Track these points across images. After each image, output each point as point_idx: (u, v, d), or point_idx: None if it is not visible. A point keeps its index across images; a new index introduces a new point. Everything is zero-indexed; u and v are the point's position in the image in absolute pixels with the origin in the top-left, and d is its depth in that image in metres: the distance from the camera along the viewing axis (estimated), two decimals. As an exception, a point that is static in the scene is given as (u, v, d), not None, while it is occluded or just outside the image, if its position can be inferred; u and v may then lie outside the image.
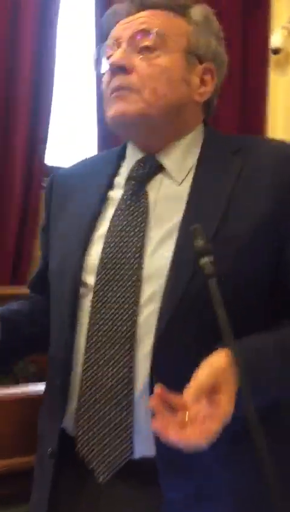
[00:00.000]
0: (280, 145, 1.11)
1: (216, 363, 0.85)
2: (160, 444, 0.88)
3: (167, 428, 0.79)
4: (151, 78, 1.04)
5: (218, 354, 0.86)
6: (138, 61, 1.05)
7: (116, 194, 1.11)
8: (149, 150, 1.10)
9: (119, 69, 1.05)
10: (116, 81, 1.05)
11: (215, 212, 1.00)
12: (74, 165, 1.27)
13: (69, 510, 1.05)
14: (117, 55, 1.06)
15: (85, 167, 1.23)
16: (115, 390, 0.98)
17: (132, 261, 1.01)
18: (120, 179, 1.12)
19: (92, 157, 1.30)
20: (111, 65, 1.06)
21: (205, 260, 0.82)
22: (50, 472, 1.06)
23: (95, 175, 1.16)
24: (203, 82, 1.09)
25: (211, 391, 0.83)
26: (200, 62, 1.09)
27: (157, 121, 1.05)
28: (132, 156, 1.12)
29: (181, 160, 1.08)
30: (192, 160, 1.08)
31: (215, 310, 0.78)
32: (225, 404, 0.82)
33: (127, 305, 0.99)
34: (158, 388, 0.82)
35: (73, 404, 1.03)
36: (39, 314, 1.19)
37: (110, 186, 1.13)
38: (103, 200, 1.11)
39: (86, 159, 1.28)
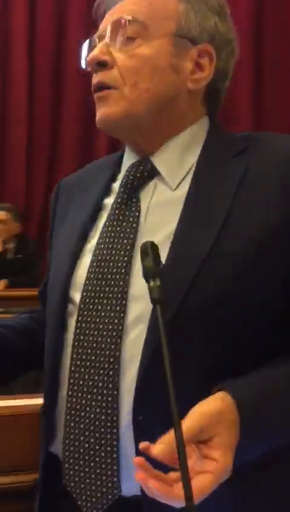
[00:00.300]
0: None
1: (207, 407, 0.75)
2: None
3: (151, 482, 0.70)
4: (132, 71, 0.93)
5: (214, 397, 0.77)
6: (118, 54, 0.94)
7: (111, 201, 1.00)
8: (143, 151, 0.99)
9: (98, 66, 0.94)
10: (96, 78, 0.95)
11: (213, 223, 0.87)
12: (79, 171, 1.17)
13: None
14: (96, 50, 0.95)
15: (88, 173, 1.13)
16: (99, 422, 0.88)
17: (118, 277, 0.91)
18: (116, 185, 1.02)
19: (97, 161, 1.19)
20: (88, 62, 0.95)
21: (152, 284, 0.72)
22: (37, 501, 0.98)
23: (95, 181, 1.06)
24: (199, 67, 0.96)
25: (205, 440, 0.73)
26: (195, 44, 0.95)
27: (144, 119, 0.94)
28: (128, 160, 1.02)
29: (177, 162, 0.96)
30: (190, 162, 0.96)
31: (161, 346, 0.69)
32: (220, 457, 0.72)
33: (111, 326, 0.89)
34: (142, 446, 0.72)
35: (60, 431, 0.94)
36: (34, 330, 1.11)
37: (106, 192, 1.03)
38: (98, 208, 1.01)
39: (92, 163, 1.18)
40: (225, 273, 0.84)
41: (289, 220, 0.87)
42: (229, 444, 0.74)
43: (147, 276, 0.74)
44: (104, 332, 0.89)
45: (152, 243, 0.76)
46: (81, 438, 0.90)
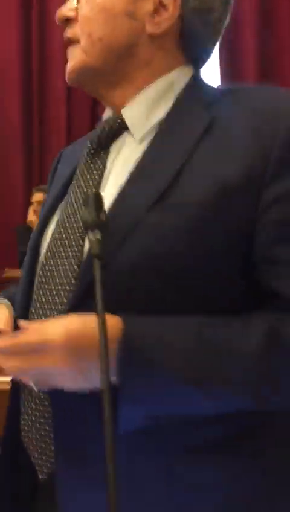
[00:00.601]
0: (272, 92, 0.86)
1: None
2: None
3: None
4: (87, 21, 0.89)
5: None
6: (82, 5, 0.90)
7: None
8: (115, 105, 0.93)
9: (65, 23, 0.92)
10: (64, 35, 0.92)
11: (164, 175, 0.81)
12: (80, 139, 1.13)
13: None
14: (64, 6, 0.92)
15: (84, 140, 1.08)
16: None
17: (75, 236, 0.86)
18: None
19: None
20: (58, 19, 0.92)
21: (91, 237, 0.69)
22: None
23: (83, 145, 1.00)
24: (163, 6, 0.88)
25: None
26: None
27: (102, 70, 0.89)
28: (105, 116, 0.96)
29: (144, 115, 0.89)
30: (159, 115, 0.89)
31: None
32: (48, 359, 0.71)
33: (62, 287, 0.84)
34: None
35: None
36: None
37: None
38: (76, 168, 0.96)
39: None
40: (168, 226, 0.77)
41: (254, 173, 0.78)
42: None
43: (85, 228, 0.72)
44: (56, 292, 0.85)
45: (95, 194, 0.73)
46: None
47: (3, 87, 4.90)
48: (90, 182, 0.89)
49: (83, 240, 0.84)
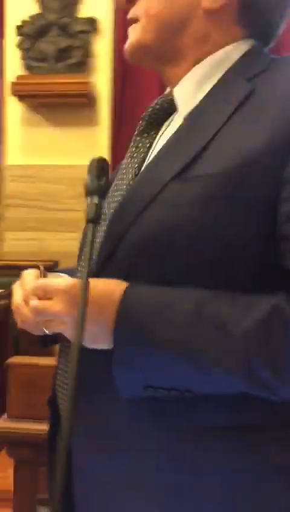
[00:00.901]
0: None
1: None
2: None
3: None
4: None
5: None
6: None
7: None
8: (171, 84, 0.92)
9: (130, 3, 0.92)
10: (128, 15, 0.93)
11: (193, 146, 0.79)
12: None
13: None
14: None
15: None
16: None
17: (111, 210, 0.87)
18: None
19: None
20: (123, 3, 0.93)
21: (89, 201, 0.72)
22: None
23: None
24: None
25: None
26: None
27: (156, 46, 0.89)
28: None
29: (193, 92, 0.87)
30: (206, 90, 0.86)
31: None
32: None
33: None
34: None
35: None
36: None
37: None
38: None
39: None
40: (185, 197, 0.76)
41: (281, 145, 0.74)
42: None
43: (86, 192, 0.74)
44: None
45: (99, 159, 0.75)
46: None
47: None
48: (136, 160, 0.90)
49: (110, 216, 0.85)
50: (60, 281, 0.77)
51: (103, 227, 0.85)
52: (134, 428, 0.78)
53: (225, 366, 0.70)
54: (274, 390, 0.71)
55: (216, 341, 0.71)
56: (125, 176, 0.89)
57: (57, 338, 0.92)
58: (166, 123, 0.91)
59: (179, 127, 0.85)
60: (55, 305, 0.75)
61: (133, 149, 0.91)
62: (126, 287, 0.75)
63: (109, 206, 0.87)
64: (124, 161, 0.93)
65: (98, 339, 0.75)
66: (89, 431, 0.82)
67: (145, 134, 0.92)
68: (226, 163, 0.75)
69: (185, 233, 0.75)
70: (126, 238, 0.78)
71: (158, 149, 0.86)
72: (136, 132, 0.93)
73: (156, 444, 0.77)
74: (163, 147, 0.84)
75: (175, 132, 0.85)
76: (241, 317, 0.71)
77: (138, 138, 0.92)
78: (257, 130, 0.76)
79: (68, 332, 0.77)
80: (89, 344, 0.76)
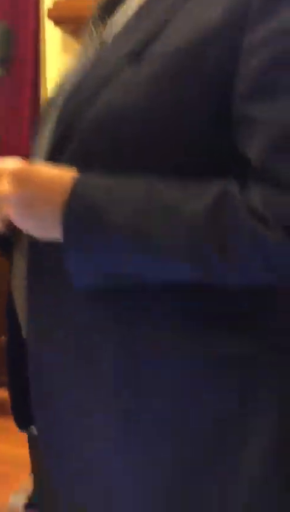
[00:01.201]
0: None
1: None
2: None
3: None
4: None
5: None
6: None
7: None
8: None
9: None
10: None
11: (150, 26, 0.75)
12: None
13: None
14: None
15: None
16: None
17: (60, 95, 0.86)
18: None
19: None
20: None
21: None
22: None
23: None
24: None
25: None
26: None
27: None
28: None
29: None
30: None
31: None
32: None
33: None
34: None
35: None
36: None
37: None
38: None
39: None
40: (140, 77, 0.73)
41: (237, 17, 0.70)
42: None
43: None
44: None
45: (3, 30, 0.77)
46: None
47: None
48: (92, 43, 0.86)
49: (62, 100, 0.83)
50: (10, 163, 0.74)
51: (55, 113, 0.82)
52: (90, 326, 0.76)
53: (172, 250, 0.69)
54: (220, 272, 0.69)
55: (164, 225, 0.69)
56: (80, 59, 0.86)
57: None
58: (121, 7, 0.86)
59: (137, 8, 0.81)
60: (1, 186, 0.72)
61: (88, 38, 0.87)
62: (77, 172, 0.74)
63: (63, 88, 0.84)
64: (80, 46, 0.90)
65: (47, 224, 0.72)
66: (46, 323, 0.80)
67: (99, 23, 0.87)
68: (182, 40, 0.72)
69: (140, 113, 0.72)
70: (81, 118, 0.75)
71: (114, 30, 0.82)
72: (90, 22, 0.89)
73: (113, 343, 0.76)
74: (121, 29, 0.81)
75: (131, 15, 0.81)
76: (191, 200, 0.69)
77: (92, 27, 0.88)
78: (212, 3, 0.72)
79: (16, 219, 0.73)
80: (39, 232, 0.74)
